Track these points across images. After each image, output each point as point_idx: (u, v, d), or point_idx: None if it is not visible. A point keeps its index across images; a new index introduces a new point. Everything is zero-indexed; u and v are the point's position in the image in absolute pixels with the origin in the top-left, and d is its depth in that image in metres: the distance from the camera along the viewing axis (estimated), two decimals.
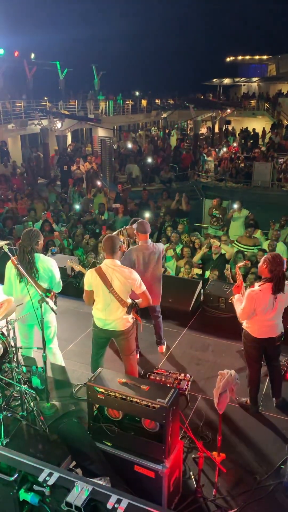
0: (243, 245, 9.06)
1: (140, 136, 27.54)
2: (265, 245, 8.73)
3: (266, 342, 4.31)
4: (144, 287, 4.23)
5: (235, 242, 9.24)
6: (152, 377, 4.84)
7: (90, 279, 4.16)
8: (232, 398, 3.60)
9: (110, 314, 4.20)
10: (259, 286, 4.18)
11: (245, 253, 8.23)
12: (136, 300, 4.30)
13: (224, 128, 29.72)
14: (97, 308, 4.27)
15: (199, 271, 7.70)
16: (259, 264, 4.30)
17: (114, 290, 4.08)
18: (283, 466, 3.79)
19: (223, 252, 7.95)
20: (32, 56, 24.50)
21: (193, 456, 3.85)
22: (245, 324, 4.38)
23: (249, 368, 4.47)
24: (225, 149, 24.20)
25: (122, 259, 4.94)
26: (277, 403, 4.58)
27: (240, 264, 5.00)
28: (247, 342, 4.40)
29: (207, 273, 7.70)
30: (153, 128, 31.98)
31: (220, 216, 11.05)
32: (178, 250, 8.54)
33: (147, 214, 10.02)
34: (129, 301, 4.22)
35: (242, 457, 3.94)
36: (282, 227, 9.65)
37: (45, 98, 23.86)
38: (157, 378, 4.80)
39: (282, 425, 4.33)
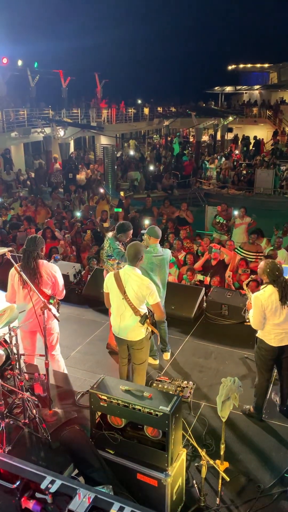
0: (245, 251, 9.07)
1: (129, 146, 27.69)
2: (268, 252, 8.73)
3: (281, 350, 4.27)
4: (158, 299, 4.20)
5: (238, 248, 9.25)
6: (154, 384, 4.82)
7: (108, 281, 4.24)
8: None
9: (122, 321, 4.21)
10: (262, 289, 4.20)
11: (248, 260, 8.23)
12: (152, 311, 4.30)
13: (227, 136, 29.83)
14: (112, 314, 4.31)
15: (202, 277, 7.70)
16: (258, 271, 4.33)
17: (128, 297, 4.10)
18: (287, 475, 3.76)
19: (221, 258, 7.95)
20: (35, 64, 24.70)
21: (196, 464, 3.82)
22: (260, 334, 4.33)
23: (260, 377, 4.42)
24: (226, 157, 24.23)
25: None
26: (282, 409, 4.54)
27: (246, 281, 5.00)
28: (261, 351, 4.33)
29: (201, 277, 7.70)
30: (155, 136, 32.15)
31: (225, 222, 11.08)
32: (180, 256, 8.53)
33: (147, 221, 10.00)
34: (144, 311, 4.19)
35: (245, 465, 3.91)
36: (285, 234, 9.66)
37: (49, 106, 24.03)
38: (160, 385, 4.78)
39: (286, 432, 4.30)
